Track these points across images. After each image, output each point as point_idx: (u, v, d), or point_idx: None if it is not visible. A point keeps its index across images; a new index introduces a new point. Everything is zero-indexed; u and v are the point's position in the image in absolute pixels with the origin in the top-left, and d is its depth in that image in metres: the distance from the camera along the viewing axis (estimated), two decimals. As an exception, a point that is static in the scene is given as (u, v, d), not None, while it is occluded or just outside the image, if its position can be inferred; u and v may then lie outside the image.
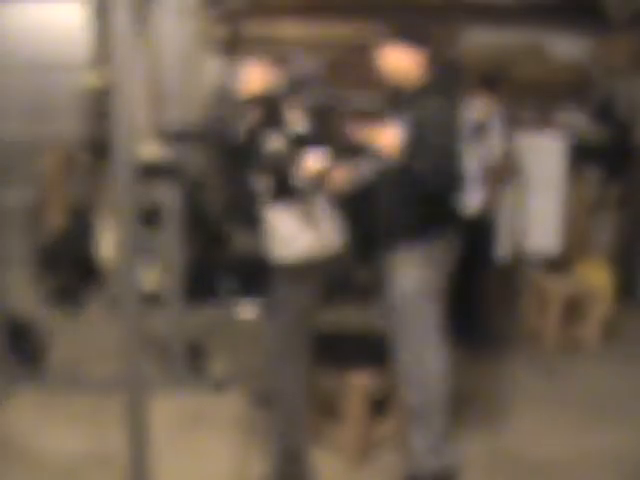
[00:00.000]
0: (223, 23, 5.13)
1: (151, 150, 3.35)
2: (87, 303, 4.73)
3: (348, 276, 3.52)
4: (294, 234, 2.59)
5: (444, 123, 2.51)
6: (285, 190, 1.85)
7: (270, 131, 1.77)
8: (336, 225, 2.72)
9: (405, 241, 2.59)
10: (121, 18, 1.80)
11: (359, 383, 2.85)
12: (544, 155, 5.14)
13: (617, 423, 3.38)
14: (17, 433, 3.07)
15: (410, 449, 2.78)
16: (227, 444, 3.08)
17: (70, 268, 4.83)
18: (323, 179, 1.85)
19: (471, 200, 3.59)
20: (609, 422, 3.38)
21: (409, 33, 2.59)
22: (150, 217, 3.65)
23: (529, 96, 5.38)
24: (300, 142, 1.79)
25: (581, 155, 5.34)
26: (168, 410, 3.28)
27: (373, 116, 2.56)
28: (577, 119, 5.42)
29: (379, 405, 3.12)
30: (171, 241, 3.43)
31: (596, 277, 4.89)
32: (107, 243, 4.45)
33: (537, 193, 5.10)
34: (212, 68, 5.21)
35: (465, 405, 3.36)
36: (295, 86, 2.62)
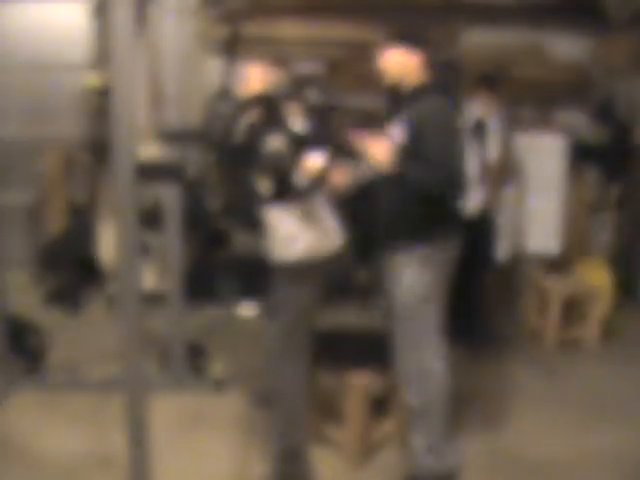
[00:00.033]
0: (223, 23, 5.12)
1: (151, 150, 3.35)
2: (87, 303, 4.73)
3: (348, 276, 3.52)
4: (294, 234, 2.59)
5: (444, 122, 2.51)
6: (285, 190, 1.85)
7: (270, 131, 1.77)
8: (336, 225, 2.73)
9: (405, 241, 2.59)
10: (121, 18, 1.80)
11: (359, 383, 2.85)
12: (544, 155, 5.14)
13: (617, 423, 3.38)
14: (17, 433, 3.07)
15: (410, 449, 2.78)
16: (227, 444, 3.08)
17: (70, 268, 4.84)
18: (323, 179, 1.84)
19: (471, 200, 3.59)
20: (609, 422, 3.38)
21: (406, 35, 2.60)
22: (150, 217, 3.65)
23: (529, 96, 5.38)
24: (300, 142, 1.79)
25: (581, 155, 5.34)
26: (168, 410, 3.28)
27: (370, 122, 2.57)
28: (577, 119, 5.42)
29: (379, 405, 3.12)
30: (171, 241, 3.43)
31: (596, 277, 4.89)
32: (107, 243, 4.45)
33: (537, 193, 5.11)
34: (212, 68, 5.21)
35: (465, 405, 3.36)
36: (295, 86, 2.62)
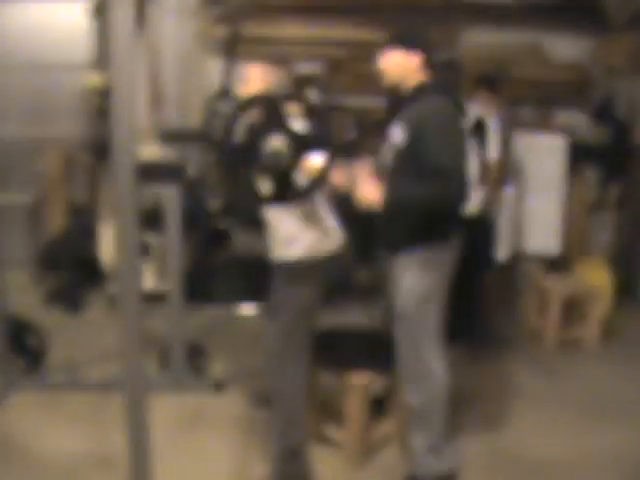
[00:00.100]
0: (223, 23, 5.13)
1: (151, 150, 3.35)
2: (87, 303, 4.72)
3: (348, 276, 3.52)
4: (294, 234, 2.60)
5: (444, 122, 2.50)
6: (285, 190, 1.85)
7: (270, 131, 1.77)
8: (336, 225, 2.73)
9: (406, 243, 2.59)
10: (121, 18, 1.80)
11: (359, 383, 2.85)
12: (544, 155, 5.14)
13: (617, 423, 3.38)
14: (17, 433, 3.07)
15: (410, 449, 2.78)
16: (227, 444, 3.08)
17: (70, 268, 4.83)
18: (323, 179, 1.84)
19: (471, 200, 3.58)
20: (609, 422, 3.38)
21: (405, 36, 2.60)
22: (150, 217, 3.65)
23: (529, 96, 5.38)
24: (300, 142, 1.79)
25: (581, 155, 5.34)
26: (168, 410, 3.28)
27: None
28: (577, 119, 5.42)
29: (379, 405, 3.12)
30: (171, 241, 3.43)
31: (596, 277, 4.89)
32: (107, 243, 4.45)
33: (537, 193, 5.11)
34: (212, 68, 5.21)
35: (465, 405, 3.36)
36: (295, 86, 2.62)
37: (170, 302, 3.45)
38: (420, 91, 2.56)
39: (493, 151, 3.98)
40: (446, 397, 2.72)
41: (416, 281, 2.59)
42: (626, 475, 2.97)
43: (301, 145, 1.78)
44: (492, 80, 4.36)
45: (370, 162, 2.80)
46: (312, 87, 4.95)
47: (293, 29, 5.17)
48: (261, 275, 3.12)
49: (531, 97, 5.38)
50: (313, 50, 5.20)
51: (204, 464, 2.92)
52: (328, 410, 3.16)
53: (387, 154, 2.68)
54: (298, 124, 2.16)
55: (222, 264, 5.04)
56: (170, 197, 3.38)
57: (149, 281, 4.48)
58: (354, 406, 2.88)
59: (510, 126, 4.54)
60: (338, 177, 2.42)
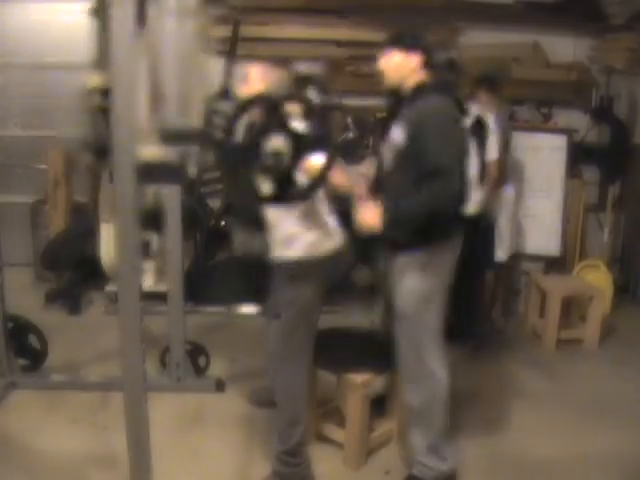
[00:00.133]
0: (223, 23, 5.12)
1: (151, 150, 3.34)
2: (87, 303, 4.72)
3: (349, 276, 3.52)
4: (294, 234, 2.60)
5: (444, 122, 2.50)
6: (285, 190, 1.85)
7: (270, 131, 1.77)
8: (337, 225, 2.73)
9: (407, 244, 2.58)
10: (121, 18, 1.80)
11: (359, 383, 2.85)
12: (544, 155, 5.14)
13: (617, 423, 3.38)
14: (17, 433, 3.07)
15: (410, 449, 2.78)
16: (227, 444, 3.08)
17: (71, 268, 4.83)
18: (323, 179, 1.84)
19: (471, 200, 3.58)
20: (609, 422, 3.38)
21: (403, 37, 2.60)
22: (150, 217, 3.64)
23: (529, 96, 5.38)
24: (300, 142, 1.79)
25: (581, 155, 5.34)
26: (168, 410, 3.28)
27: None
28: (577, 119, 5.42)
29: (379, 405, 3.12)
30: (171, 241, 3.43)
31: (596, 277, 4.89)
32: (108, 243, 4.45)
33: (537, 193, 5.11)
34: (212, 68, 5.20)
35: (465, 405, 3.36)
36: (295, 86, 2.62)
37: (170, 302, 3.45)
38: (420, 91, 2.56)
39: (493, 151, 3.98)
40: (446, 397, 2.72)
41: (416, 281, 2.59)
42: (626, 475, 2.97)
43: (301, 145, 1.78)
44: (492, 80, 4.36)
45: (367, 171, 2.83)
46: (312, 87, 4.95)
47: (293, 29, 5.17)
48: (261, 275, 3.12)
49: (531, 97, 5.39)
50: (313, 50, 5.20)
51: (204, 464, 2.92)
52: (328, 410, 3.16)
53: (387, 154, 2.69)
54: (298, 124, 2.16)
55: (222, 264, 5.04)
56: (170, 197, 3.37)
57: (149, 281, 4.48)
58: (354, 406, 2.88)
59: (510, 126, 4.54)
60: (338, 177, 2.42)
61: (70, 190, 5.07)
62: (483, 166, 3.92)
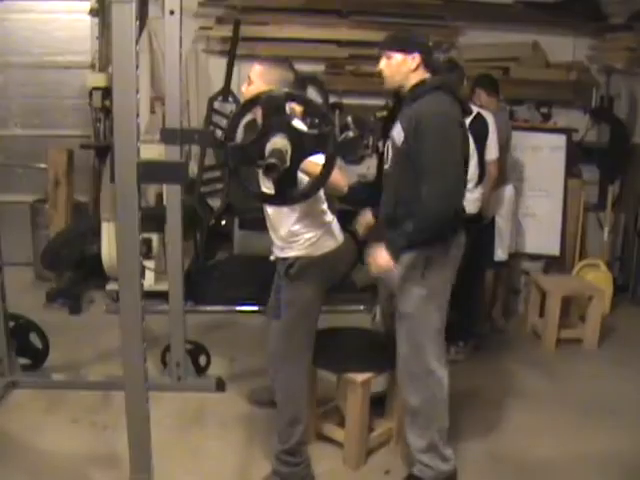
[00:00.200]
0: (223, 23, 5.13)
1: (152, 150, 3.34)
2: (88, 302, 4.72)
3: (349, 276, 3.52)
4: (296, 233, 2.60)
5: (442, 121, 2.50)
6: (287, 189, 1.85)
7: (272, 131, 1.77)
8: (338, 224, 2.73)
9: (407, 245, 2.58)
10: (122, 18, 1.80)
11: (359, 383, 2.85)
12: (544, 155, 5.15)
13: (617, 423, 3.38)
14: (17, 433, 3.07)
15: (410, 449, 2.78)
16: (227, 443, 3.08)
17: (72, 267, 4.83)
18: (325, 178, 1.85)
19: (470, 200, 3.59)
20: (609, 422, 3.39)
21: (401, 39, 2.60)
22: (151, 217, 3.65)
23: (529, 96, 5.38)
24: (302, 142, 1.79)
25: (581, 155, 5.34)
26: (168, 409, 3.28)
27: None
28: (577, 119, 5.42)
29: (379, 405, 3.12)
30: (171, 241, 3.43)
31: (595, 277, 4.89)
32: (109, 242, 4.45)
33: (537, 193, 5.11)
34: (212, 68, 5.21)
35: (465, 405, 3.36)
36: (295, 86, 2.62)
37: (171, 301, 3.45)
38: (419, 91, 2.57)
39: (493, 151, 3.98)
40: (446, 397, 2.72)
41: (417, 281, 2.59)
42: (626, 475, 2.97)
43: (303, 145, 1.78)
44: (492, 80, 4.36)
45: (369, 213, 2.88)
46: (312, 87, 4.96)
47: (293, 29, 5.17)
48: (262, 274, 3.12)
49: (531, 97, 5.39)
50: (313, 50, 5.20)
51: (204, 463, 2.92)
52: (328, 410, 3.17)
53: (388, 153, 2.69)
54: (299, 124, 2.16)
55: (222, 264, 5.04)
56: (171, 197, 3.37)
57: (149, 281, 4.48)
58: (354, 406, 2.88)
59: (510, 126, 4.55)
60: (339, 177, 2.42)
61: (70, 189, 5.07)
62: (483, 166, 3.93)
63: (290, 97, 1.84)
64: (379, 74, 2.66)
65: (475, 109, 3.76)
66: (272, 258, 2.77)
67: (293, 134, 1.78)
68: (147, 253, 4.43)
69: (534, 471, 2.99)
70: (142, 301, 2.00)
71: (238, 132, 1.90)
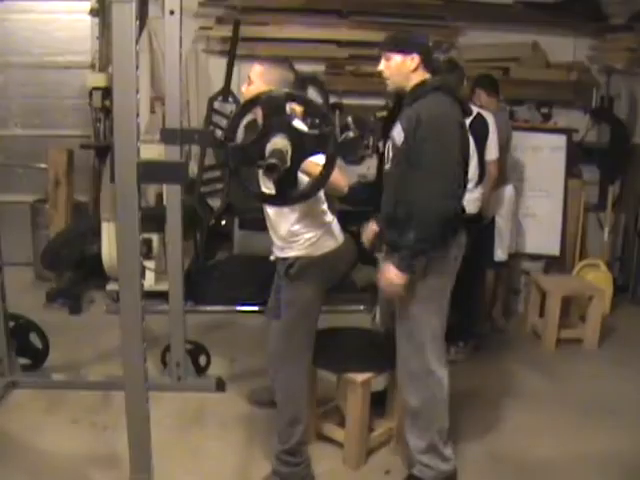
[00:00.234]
0: (223, 23, 5.13)
1: (152, 150, 3.35)
2: (88, 302, 4.72)
3: (349, 276, 3.52)
4: (296, 233, 2.60)
5: (442, 122, 2.50)
6: (287, 190, 1.85)
7: (272, 131, 1.77)
8: (338, 224, 2.73)
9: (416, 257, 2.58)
10: (121, 18, 1.80)
11: (359, 383, 2.85)
12: (544, 155, 5.15)
13: (617, 423, 3.38)
14: (17, 433, 3.07)
15: (410, 449, 2.78)
16: (227, 443, 3.08)
17: (72, 267, 4.83)
18: (325, 178, 1.85)
19: (470, 200, 3.58)
20: (609, 422, 3.39)
21: (400, 40, 2.60)
22: (151, 217, 3.65)
23: (529, 96, 5.38)
24: (302, 142, 1.79)
25: (581, 155, 5.34)
26: (168, 409, 3.28)
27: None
28: (577, 119, 5.42)
29: (379, 405, 3.12)
30: (171, 241, 3.43)
31: (596, 277, 4.89)
32: (109, 243, 4.45)
33: (537, 193, 5.11)
34: (212, 68, 5.21)
35: (465, 405, 3.36)
36: (295, 86, 2.62)
37: (171, 301, 3.45)
38: (419, 91, 2.57)
39: (493, 151, 3.98)
40: (446, 397, 2.72)
41: (416, 282, 2.59)
42: (626, 475, 2.97)
43: (303, 145, 1.78)
44: (492, 80, 4.36)
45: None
46: (312, 87, 4.96)
47: (293, 29, 5.17)
48: (262, 274, 3.12)
49: (531, 97, 5.39)
50: (313, 50, 5.20)
51: (204, 463, 2.92)
52: (328, 410, 3.17)
53: (388, 154, 2.69)
54: (300, 124, 2.16)
55: (222, 264, 5.04)
56: (171, 197, 3.37)
57: (149, 281, 4.48)
58: (354, 406, 2.88)
59: (510, 126, 4.55)
60: (339, 177, 2.42)
61: (71, 190, 5.07)
62: (483, 166, 3.93)
63: (290, 97, 1.84)
64: (379, 75, 2.67)
65: (475, 109, 3.76)
66: (272, 258, 2.77)
67: (293, 134, 1.78)
68: (147, 253, 4.44)
69: (534, 471, 2.99)
70: (142, 301, 2.00)
71: (238, 132, 1.89)
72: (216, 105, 4.88)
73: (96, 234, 4.58)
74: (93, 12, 4.91)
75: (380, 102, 4.78)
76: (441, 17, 5.24)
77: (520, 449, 3.14)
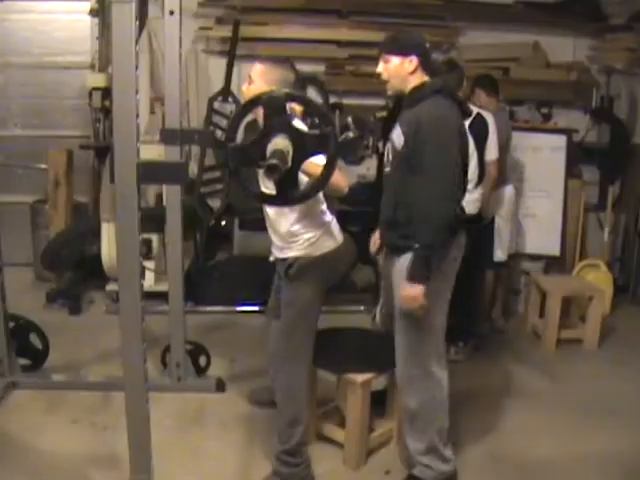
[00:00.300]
0: (223, 23, 5.13)
1: (152, 150, 3.35)
2: (88, 303, 4.72)
3: (349, 276, 3.52)
4: (296, 233, 2.60)
5: (441, 125, 2.50)
6: (288, 190, 1.85)
7: (273, 131, 1.76)
8: (338, 224, 2.73)
9: (406, 247, 2.58)
10: (121, 18, 1.80)
11: (359, 383, 2.85)
12: (544, 155, 5.15)
13: (617, 423, 3.38)
14: (17, 433, 3.07)
15: (409, 450, 2.78)
16: (227, 444, 3.08)
17: (71, 268, 4.83)
18: (326, 179, 1.84)
19: (470, 200, 3.58)
20: (609, 422, 3.38)
21: (398, 42, 2.60)
22: (151, 217, 3.65)
23: (529, 96, 5.38)
24: (303, 142, 1.78)
25: (581, 155, 5.34)
26: (168, 410, 3.28)
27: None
28: (577, 119, 5.42)
29: (379, 405, 3.12)
30: (171, 241, 3.43)
31: (596, 277, 4.89)
32: (109, 243, 4.45)
33: (537, 193, 5.11)
34: (212, 68, 5.21)
35: (465, 405, 3.36)
36: (296, 86, 2.62)
37: (171, 302, 3.45)
38: (419, 94, 2.56)
39: (492, 151, 3.98)
40: (446, 398, 2.72)
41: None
42: (626, 475, 2.97)
43: (304, 145, 1.78)
44: (491, 80, 4.36)
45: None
46: (312, 87, 4.95)
47: (293, 29, 5.17)
48: (262, 275, 3.12)
49: (531, 97, 5.39)
50: (313, 50, 5.20)
51: (204, 464, 2.92)
52: (328, 410, 3.16)
53: (388, 156, 2.69)
54: (300, 124, 2.16)
55: (222, 264, 5.04)
56: (171, 197, 3.37)
57: (149, 281, 4.48)
58: (354, 406, 2.88)
59: (510, 126, 4.54)
60: (340, 177, 2.42)
61: (70, 190, 5.07)
62: (482, 166, 3.92)
63: (291, 97, 1.83)
64: (378, 77, 2.66)
65: (475, 109, 3.76)
66: (271, 259, 2.77)
67: (294, 135, 1.78)
68: (147, 253, 4.43)
69: (534, 471, 2.99)
70: (142, 301, 2.00)
71: (240, 132, 1.89)
72: (216, 105, 4.88)
73: (96, 234, 4.58)
74: (93, 12, 4.90)
75: (380, 102, 4.77)
76: (441, 17, 5.24)
77: (520, 449, 3.14)
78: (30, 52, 5.15)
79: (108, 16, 4.18)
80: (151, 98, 4.90)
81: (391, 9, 5.13)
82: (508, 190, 4.46)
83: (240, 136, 1.92)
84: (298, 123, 2.12)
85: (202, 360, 3.63)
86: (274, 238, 2.70)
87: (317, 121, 1.86)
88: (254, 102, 1.83)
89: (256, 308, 4.42)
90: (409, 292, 2.51)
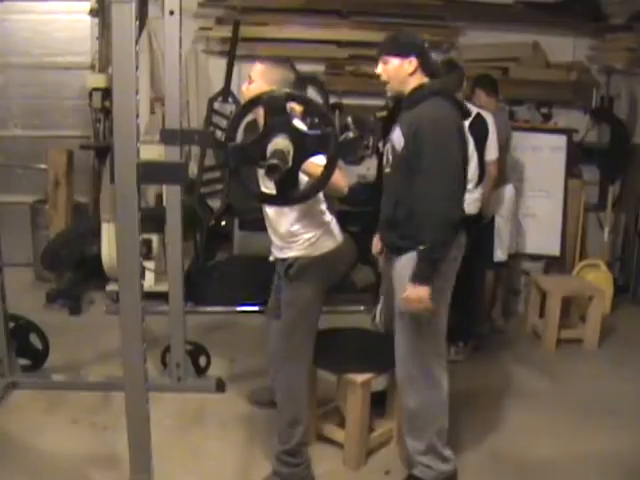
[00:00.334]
0: (223, 24, 5.13)
1: (152, 151, 3.35)
2: (88, 303, 4.72)
3: (349, 276, 3.52)
4: (296, 233, 2.60)
5: (440, 127, 2.50)
6: (288, 190, 1.85)
7: (273, 131, 1.76)
8: (338, 224, 2.73)
9: (406, 247, 2.58)
10: (121, 18, 1.80)
11: (359, 383, 2.85)
12: (544, 155, 5.15)
13: (617, 423, 3.38)
14: (17, 433, 3.07)
15: (409, 450, 2.78)
16: (228, 444, 3.08)
17: (72, 268, 4.83)
18: (326, 179, 1.84)
19: (470, 200, 3.58)
20: (609, 422, 3.39)
21: (397, 43, 2.59)
22: (151, 217, 3.65)
23: (529, 96, 5.38)
24: (303, 142, 1.78)
25: (581, 155, 5.34)
26: (168, 410, 3.28)
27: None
28: (577, 119, 5.42)
29: (379, 405, 3.12)
30: (171, 241, 3.43)
31: (596, 277, 4.89)
32: (109, 244, 4.45)
33: (537, 193, 5.11)
34: (212, 68, 5.21)
35: (465, 405, 3.36)
36: (296, 86, 2.62)
37: (171, 302, 3.45)
38: (418, 96, 2.56)
39: (492, 151, 3.98)
40: (446, 398, 2.72)
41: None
42: (626, 475, 2.97)
43: (304, 145, 1.78)
44: (491, 80, 4.36)
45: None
46: (312, 87, 4.96)
47: (293, 29, 5.17)
48: (262, 275, 3.12)
49: (531, 97, 5.39)
50: (313, 50, 5.20)
51: (204, 464, 2.92)
52: (328, 410, 3.16)
53: (388, 157, 2.69)
54: (300, 124, 2.16)
55: (222, 264, 5.04)
56: (171, 197, 3.37)
57: (149, 281, 4.48)
58: (354, 406, 2.88)
59: (510, 126, 4.54)
60: (340, 178, 2.42)
61: (70, 190, 5.07)
62: (482, 166, 3.92)
63: (291, 97, 1.83)
64: (377, 78, 2.66)
65: (475, 109, 3.76)
66: (271, 259, 2.77)
67: (295, 135, 1.78)
68: (147, 254, 4.43)
69: (534, 471, 2.99)
70: (142, 302, 2.00)
71: (240, 132, 1.89)
72: (216, 106, 4.88)
73: (96, 235, 4.58)
74: (93, 12, 4.91)
75: (380, 102, 4.77)
76: (441, 17, 5.24)
77: (520, 449, 3.14)
78: (30, 52, 5.15)
79: (108, 16, 4.18)
80: (151, 98, 4.90)
81: (391, 9, 5.13)
82: (508, 190, 4.46)
83: (240, 136, 1.92)
84: (298, 123, 2.12)
85: (202, 360, 3.63)
86: (274, 238, 2.70)
87: (317, 121, 1.86)
88: (254, 102, 1.83)
89: (256, 308, 4.42)
90: (414, 293, 2.50)
